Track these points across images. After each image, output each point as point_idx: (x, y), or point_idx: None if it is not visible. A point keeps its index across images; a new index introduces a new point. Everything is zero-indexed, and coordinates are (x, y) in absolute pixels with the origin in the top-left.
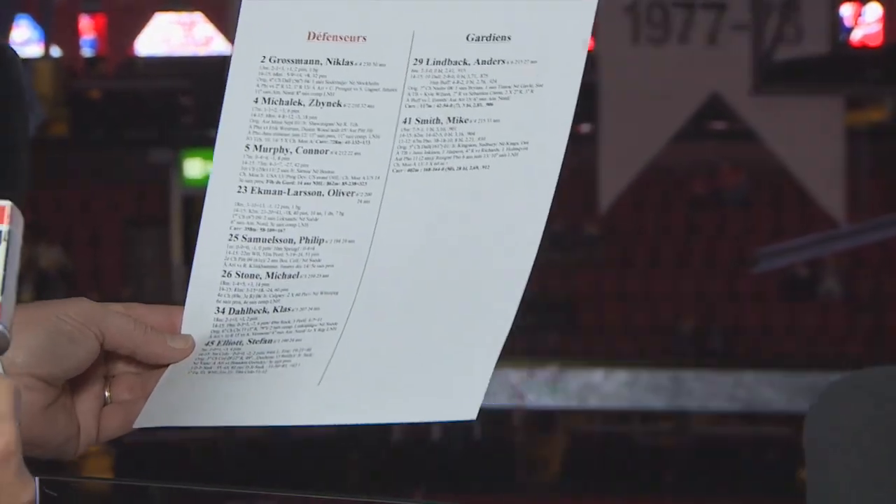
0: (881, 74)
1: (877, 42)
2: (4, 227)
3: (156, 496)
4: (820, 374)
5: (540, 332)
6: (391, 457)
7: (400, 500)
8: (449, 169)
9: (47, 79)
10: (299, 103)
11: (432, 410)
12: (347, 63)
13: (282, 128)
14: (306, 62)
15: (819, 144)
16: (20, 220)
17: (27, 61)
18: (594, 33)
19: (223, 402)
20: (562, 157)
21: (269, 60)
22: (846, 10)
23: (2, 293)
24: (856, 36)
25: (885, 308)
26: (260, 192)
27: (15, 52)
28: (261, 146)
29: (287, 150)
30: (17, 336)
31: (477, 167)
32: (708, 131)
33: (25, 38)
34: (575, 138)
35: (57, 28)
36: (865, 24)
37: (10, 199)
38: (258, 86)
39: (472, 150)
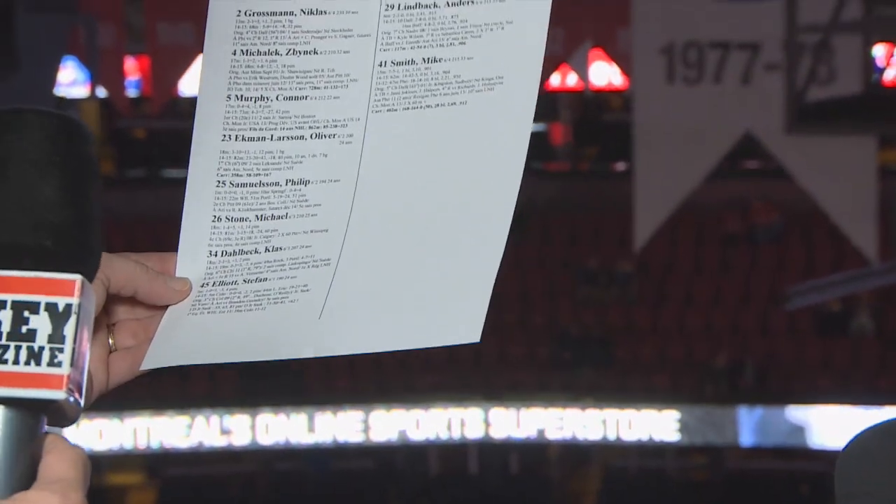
0: None
1: None
2: (75, 301)
3: None
4: (853, 408)
5: (571, 368)
6: (429, 489)
7: None
8: (427, 107)
9: (93, 118)
10: (276, 53)
11: (435, 335)
12: (321, 12)
13: (261, 77)
14: (281, 13)
15: (851, 183)
16: (92, 294)
17: (74, 101)
18: (629, 73)
19: (226, 340)
20: (536, 89)
21: (245, 14)
22: (879, 51)
23: (72, 366)
24: (888, 76)
25: None
26: (243, 139)
27: (87, 126)
28: (241, 95)
29: (267, 98)
30: None
31: (454, 104)
32: (741, 170)
33: (72, 79)
34: (610, 176)
35: (102, 69)
36: None
37: (83, 274)
38: (235, 38)
39: (449, 88)
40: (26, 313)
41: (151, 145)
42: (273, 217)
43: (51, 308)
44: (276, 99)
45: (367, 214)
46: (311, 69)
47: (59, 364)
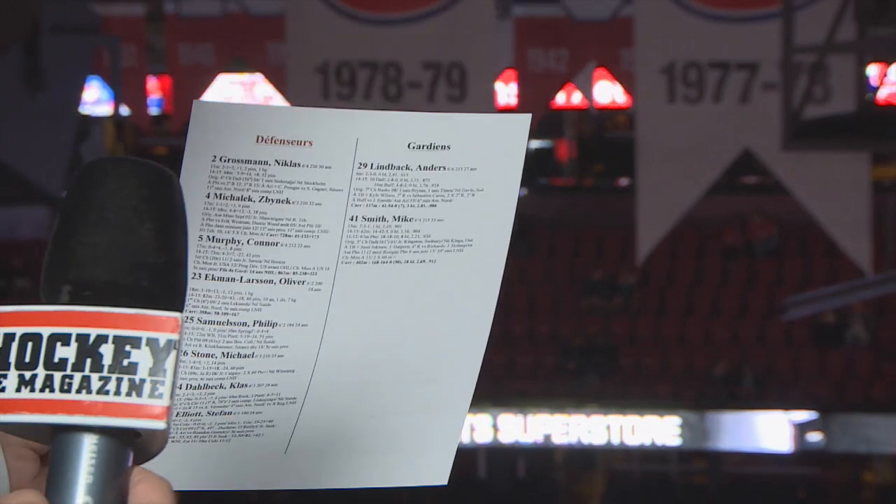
0: None
1: None
2: (175, 337)
3: None
4: (848, 416)
5: (577, 376)
6: (440, 492)
7: None
8: (396, 262)
9: (116, 136)
10: (249, 199)
11: (402, 476)
12: (295, 164)
13: (233, 221)
14: (255, 162)
15: (846, 198)
16: (183, 332)
17: (98, 119)
18: (633, 92)
19: (192, 469)
20: (505, 253)
21: (220, 160)
22: (872, 71)
23: (171, 398)
24: (882, 95)
25: None
26: (213, 278)
27: (176, 177)
28: (213, 237)
29: (238, 242)
30: None
31: (424, 261)
32: (740, 185)
33: (96, 98)
34: (613, 191)
35: (125, 88)
36: (891, 84)
37: (180, 310)
38: (210, 182)
39: (419, 246)
40: (128, 347)
41: (173, 161)
42: (239, 356)
43: (152, 343)
44: (248, 243)
45: (334, 359)
46: (282, 217)
47: (161, 396)
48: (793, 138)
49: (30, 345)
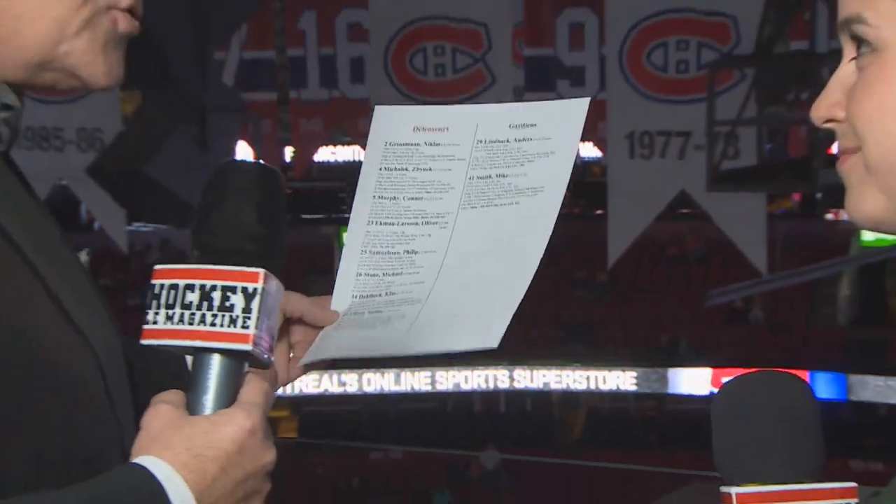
0: (790, 178)
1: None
2: (260, 286)
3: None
4: (747, 370)
5: (567, 343)
6: (474, 422)
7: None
8: (495, 205)
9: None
10: (405, 169)
11: (475, 341)
12: (436, 144)
13: (395, 185)
14: (411, 144)
15: (749, 223)
16: (273, 281)
17: None
18: (606, 150)
19: (352, 344)
20: (563, 195)
21: (389, 144)
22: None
23: (256, 328)
24: (774, 153)
25: (793, 330)
26: (380, 223)
27: (279, 172)
28: (382, 196)
29: (397, 199)
30: None
31: (512, 203)
32: (679, 214)
33: (242, 156)
34: (592, 218)
35: (263, 149)
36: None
37: (270, 269)
38: (382, 159)
39: (510, 194)
40: (229, 294)
41: (296, 199)
42: (393, 274)
43: (244, 290)
44: (403, 199)
45: (449, 273)
46: (426, 180)
47: (248, 327)
48: (714, 183)
49: (172, 292)
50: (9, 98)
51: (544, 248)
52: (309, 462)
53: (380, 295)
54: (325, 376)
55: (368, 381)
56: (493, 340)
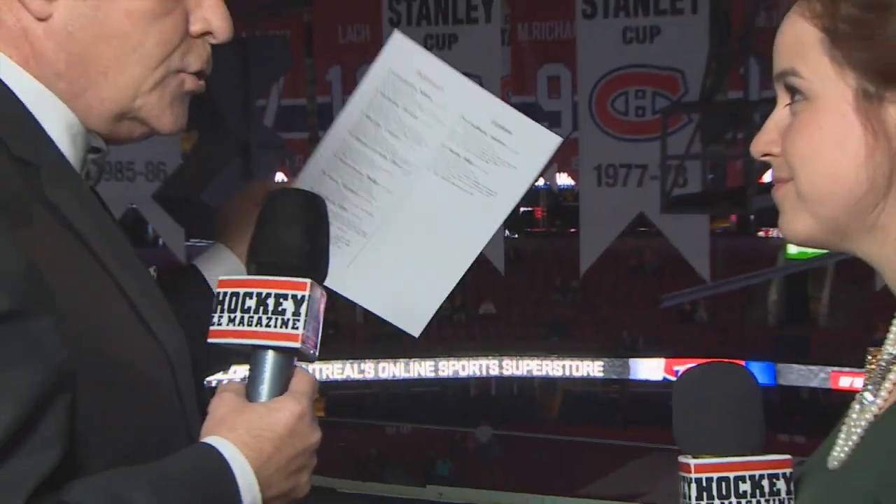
0: (728, 203)
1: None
2: (307, 293)
3: (349, 426)
4: (692, 361)
5: (546, 338)
6: (470, 402)
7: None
8: (453, 184)
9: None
10: (396, 105)
11: (394, 314)
12: (428, 97)
13: (383, 113)
14: (409, 84)
15: (696, 239)
16: (317, 289)
17: None
18: (578, 179)
19: None
20: (511, 209)
21: (392, 73)
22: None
23: (304, 329)
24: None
25: (731, 328)
26: (358, 139)
27: (322, 199)
28: (371, 118)
29: (380, 125)
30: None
31: (467, 191)
32: (638, 232)
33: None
34: (566, 236)
35: (297, 183)
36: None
37: (314, 280)
38: (382, 84)
39: (468, 182)
40: (281, 300)
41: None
42: (349, 190)
43: (293, 297)
44: (385, 129)
45: (395, 225)
46: (409, 125)
47: (297, 327)
48: (666, 207)
49: (234, 299)
50: (99, 142)
51: (479, 251)
52: (334, 436)
53: (334, 203)
54: (348, 365)
55: (383, 368)
56: (416, 328)
